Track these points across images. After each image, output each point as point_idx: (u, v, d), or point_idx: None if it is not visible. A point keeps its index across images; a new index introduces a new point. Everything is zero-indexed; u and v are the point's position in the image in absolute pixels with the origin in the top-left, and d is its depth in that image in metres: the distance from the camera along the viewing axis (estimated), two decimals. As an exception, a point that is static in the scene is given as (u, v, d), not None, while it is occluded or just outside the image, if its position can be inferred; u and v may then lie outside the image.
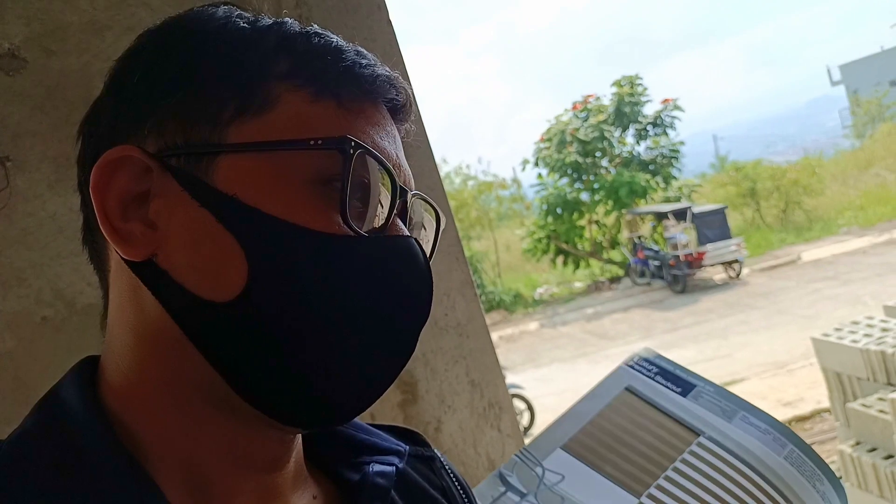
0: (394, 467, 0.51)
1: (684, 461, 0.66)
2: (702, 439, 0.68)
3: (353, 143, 0.41)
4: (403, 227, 0.45)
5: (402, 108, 0.48)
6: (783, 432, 0.68)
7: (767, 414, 0.70)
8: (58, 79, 0.89)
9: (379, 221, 0.43)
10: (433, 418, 1.04)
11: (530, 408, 6.85)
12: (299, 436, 0.48)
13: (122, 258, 0.41)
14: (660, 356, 0.77)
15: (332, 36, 0.45)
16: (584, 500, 0.65)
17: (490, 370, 1.08)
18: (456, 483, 0.57)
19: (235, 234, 0.40)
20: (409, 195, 0.46)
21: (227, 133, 0.41)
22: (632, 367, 0.76)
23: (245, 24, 0.44)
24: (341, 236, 0.41)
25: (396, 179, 0.44)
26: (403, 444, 0.55)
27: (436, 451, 0.59)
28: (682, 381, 0.74)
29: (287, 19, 0.45)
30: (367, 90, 0.44)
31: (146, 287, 0.41)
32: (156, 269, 0.41)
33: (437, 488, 0.55)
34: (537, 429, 6.76)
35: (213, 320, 0.40)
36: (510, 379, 7.40)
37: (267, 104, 0.41)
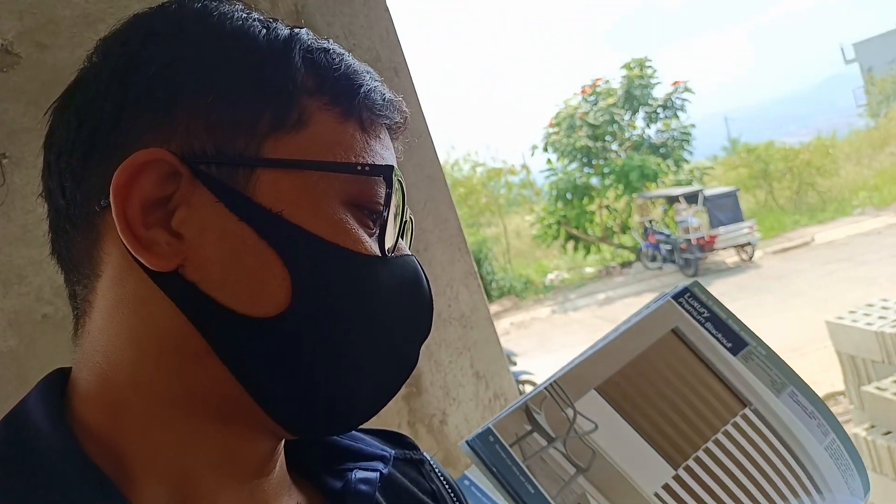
0: (377, 473, 0.50)
1: (727, 434, 0.60)
2: (747, 411, 0.62)
3: (395, 172, 0.44)
4: (405, 245, 0.47)
5: (400, 129, 0.49)
6: (828, 419, 0.63)
7: (815, 394, 0.64)
8: (52, 73, 0.88)
9: (390, 242, 0.45)
10: (438, 411, 1.03)
11: (542, 394, 6.84)
12: (283, 442, 0.47)
13: (146, 268, 0.39)
14: (711, 296, 0.69)
15: (344, 52, 0.46)
16: (618, 461, 0.58)
17: (495, 361, 1.06)
18: (446, 486, 0.56)
19: (279, 251, 0.40)
20: (408, 214, 0.48)
21: (264, 147, 0.41)
22: (681, 303, 0.68)
23: (263, 29, 0.43)
24: (374, 257, 0.43)
25: (406, 204, 0.46)
26: (389, 449, 0.54)
27: (424, 453, 0.58)
28: (733, 336, 0.67)
29: (300, 29, 0.45)
30: (380, 114, 0.46)
31: (170, 298, 0.40)
32: (182, 281, 0.39)
33: (426, 492, 0.54)
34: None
35: (248, 334, 0.40)
36: (521, 365, 7.40)
37: (302, 121, 0.42)
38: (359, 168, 0.42)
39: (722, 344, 0.66)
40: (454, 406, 1.04)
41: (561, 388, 0.62)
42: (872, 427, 3.66)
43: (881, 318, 3.90)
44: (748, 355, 0.66)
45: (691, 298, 0.69)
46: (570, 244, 15.82)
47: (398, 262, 0.45)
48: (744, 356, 0.66)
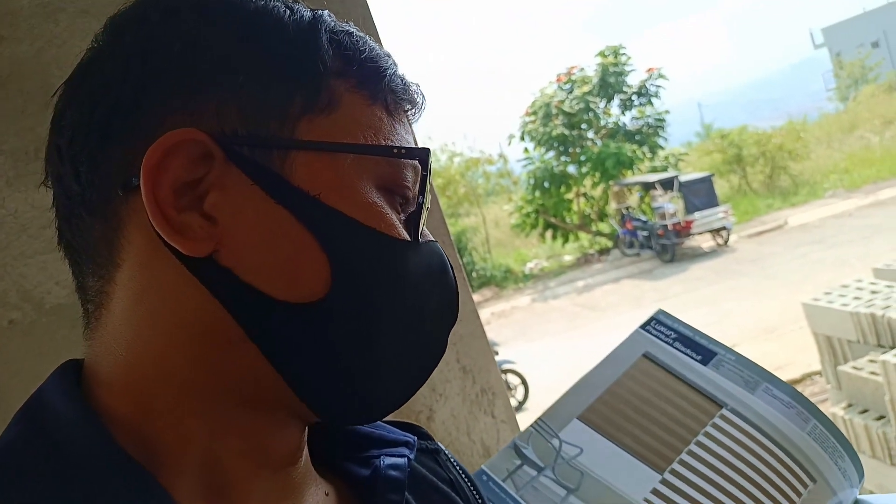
0: (406, 458, 0.49)
1: (707, 434, 0.64)
2: (724, 411, 0.66)
3: (429, 155, 0.43)
4: (428, 231, 0.46)
5: (416, 114, 0.48)
6: (806, 406, 0.65)
7: (790, 386, 0.67)
8: (10, 67, 0.83)
9: (421, 227, 0.45)
10: (424, 407, 1.01)
11: (524, 382, 6.88)
12: (307, 430, 0.46)
13: (178, 254, 0.38)
14: (677, 320, 0.74)
15: (365, 35, 0.45)
16: (604, 476, 0.62)
17: (482, 355, 1.05)
18: (463, 475, 0.55)
19: (318, 236, 0.39)
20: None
21: (297, 129, 0.40)
22: (648, 331, 0.73)
23: (287, 10, 0.42)
24: (408, 242, 0.42)
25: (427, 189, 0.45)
26: (411, 435, 0.53)
27: (439, 444, 0.57)
28: (702, 349, 0.71)
29: (322, 11, 0.44)
30: (402, 98, 0.45)
31: (203, 285, 0.38)
32: (216, 266, 0.38)
33: (444, 481, 0.53)
34: (532, 403, 6.80)
35: (287, 320, 0.39)
36: (503, 354, 7.42)
37: (333, 103, 0.41)
38: (395, 151, 0.42)
39: (692, 358, 0.70)
40: (441, 402, 1.02)
41: (545, 423, 0.67)
42: (850, 406, 3.73)
43: (856, 298, 3.97)
44: (718, 363, 0.70)
45: (657, 325, 0.74)
46: (549, 233, 15.89)
47: (427, 247, 0.45)
48: (714, 364, 0.69)
